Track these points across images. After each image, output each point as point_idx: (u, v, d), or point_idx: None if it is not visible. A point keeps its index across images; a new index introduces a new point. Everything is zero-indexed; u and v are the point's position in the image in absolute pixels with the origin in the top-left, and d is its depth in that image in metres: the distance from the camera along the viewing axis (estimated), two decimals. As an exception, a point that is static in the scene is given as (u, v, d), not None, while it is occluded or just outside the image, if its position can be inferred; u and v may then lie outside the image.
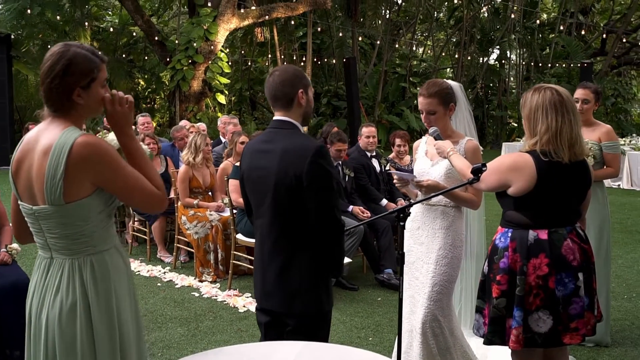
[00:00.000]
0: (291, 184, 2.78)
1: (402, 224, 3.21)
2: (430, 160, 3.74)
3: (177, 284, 6.41)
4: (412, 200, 3.69)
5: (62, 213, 2.23)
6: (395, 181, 3.69)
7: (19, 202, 2.36)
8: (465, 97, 3.87)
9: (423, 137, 3.96)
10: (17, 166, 2.33)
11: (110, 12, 23.49)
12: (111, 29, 20.37)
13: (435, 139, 3.59)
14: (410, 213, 3.81)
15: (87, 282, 2.28)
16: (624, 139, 15.76)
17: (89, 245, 2.29)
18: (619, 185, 13.64)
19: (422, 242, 3.72)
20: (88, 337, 2.26)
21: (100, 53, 2.35)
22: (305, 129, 3.16)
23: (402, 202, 6.87)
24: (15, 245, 4.32)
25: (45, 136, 2.27)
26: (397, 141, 7.46)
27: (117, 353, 2.33)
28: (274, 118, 2.99)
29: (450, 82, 3.75)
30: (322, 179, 2.77)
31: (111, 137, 2.52)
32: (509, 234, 3.14)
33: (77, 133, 2.23)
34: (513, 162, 3.09)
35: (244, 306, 5.65)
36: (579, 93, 4.67)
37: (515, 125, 24.65)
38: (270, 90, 2.95)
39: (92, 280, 2.29)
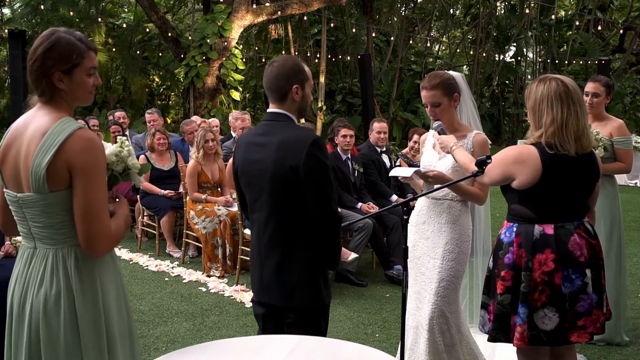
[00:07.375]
0: (287, 176, 2.74)
1: (405, 217, 3.17)
2: (437, 154, 3.69)
3: (184, 279, 6.39)
4: (417, 193, 3.63)
5: (46, 201, 2.20)
6: (399, 177, 3.65)
7: (5, 189, 2.33)
8: (468, 87, 3.80)
9: (430, 130, 3.90)
10: (4, 153, 2.29)
11: (125, 9, 23.55)
12: (125, 26, 20.41)
13: (440, 134, 3.53)
14: (414, 207, 3.76)
15: (71, 273, 2.24)
16: (640, 137, 15.52)
17: (72, 236, 2.25)
18: (635, 183, 13.48)
19: (428, 236, 3.66)
20: (72, 328, 2.22)
21: (89, 40, 2.31)
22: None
23: (412, 199, 6.79)
24: (19, 238, 4.31)
25: (36, 122, 2.24)
26: (415, 137, 7.20)
27: (104, 346, 2.28)
28: (269, 110, 2.94)
29: (451, 72, 3.69)
30: (318, 170, 2.73)
31: (110, 149, 2.44)
32: (514, 229, 3.06)
33: (78, 125, 2.21)
34: (517, 154, 3.02)
35: (251, 301, 5.60)
36: (589, 87, 4.57)
37: (532, 123, 24.37)
38: (267, 81, 2.91)
39: (76, 270, 2.25)
